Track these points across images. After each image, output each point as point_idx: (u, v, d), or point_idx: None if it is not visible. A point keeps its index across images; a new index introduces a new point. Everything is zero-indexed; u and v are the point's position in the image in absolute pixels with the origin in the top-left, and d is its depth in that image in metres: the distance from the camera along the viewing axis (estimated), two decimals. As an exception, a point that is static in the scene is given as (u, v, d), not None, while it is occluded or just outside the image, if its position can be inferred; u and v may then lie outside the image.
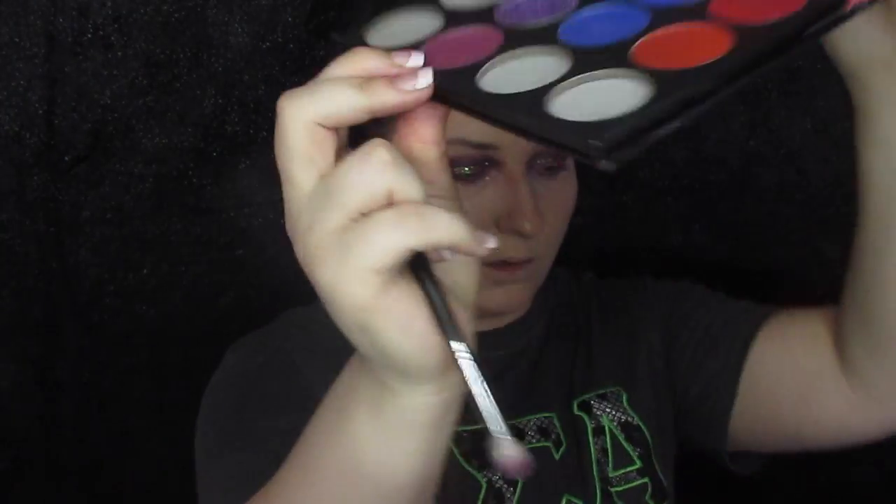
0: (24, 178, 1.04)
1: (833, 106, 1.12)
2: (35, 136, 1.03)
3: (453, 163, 0.74)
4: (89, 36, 1.02)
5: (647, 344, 0.95)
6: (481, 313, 0.54)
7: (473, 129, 0.77)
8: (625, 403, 0.91)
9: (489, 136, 0.79)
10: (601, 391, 0.91)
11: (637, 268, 1.20)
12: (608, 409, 0.91)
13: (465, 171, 0.81)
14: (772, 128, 1.13)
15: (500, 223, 0.82)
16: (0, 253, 1.05)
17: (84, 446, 1.15)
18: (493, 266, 0.83)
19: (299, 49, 1.07)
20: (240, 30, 1.05)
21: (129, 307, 1.11)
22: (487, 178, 0.82)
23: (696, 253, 1.19)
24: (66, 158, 1.05)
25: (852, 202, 1.15)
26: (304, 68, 1.08)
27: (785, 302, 1.20)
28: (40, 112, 1.02)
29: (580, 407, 0.90)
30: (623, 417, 0.90)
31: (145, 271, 1.11)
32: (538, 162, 0.83)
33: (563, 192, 0.86)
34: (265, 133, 1.08)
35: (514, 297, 0.87)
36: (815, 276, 1.19)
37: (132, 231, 1.09)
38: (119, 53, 1.03)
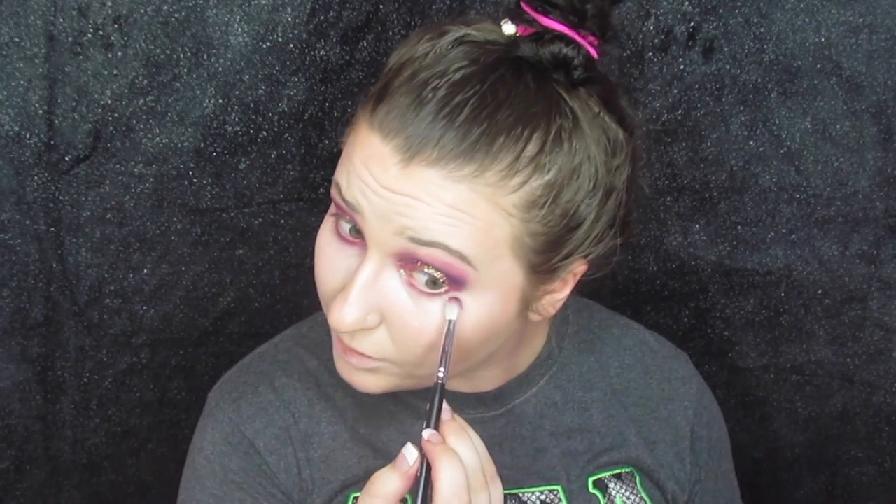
0: (24, 178, 1.04)
1: (833, 106, 1.12)
2: (35, 137, 1.03)
3: (336, 207, 0.71)
4: (89, 36, 1.02)
5: (672, 434, 0.92)
6: None
7: (349, 178, 0.69)
8: (638, 486, 0.88)
9: (355, 195, 0.68)
10: (616, 471, 0.88)
11: (637, 268, 1.20)
12: (623, 490, 0.87)
13: (345, 222, 0.71)
14: (772, 128, 1.13)
15: None
16: (0, 253, 1.05)
17: (84, 446, 1.15)
18: (339, 336, 0.74)
19: (299, 49, 1.07)
20: (240, 30, 1.05)
21: (129, 307, 1.11)
22: (359, 245, 0.71)
23: (696, 253, 1.19)
24: (67, 158, 1.05)
25: (852, 202, 1.15)
26: (304, 68, 1.08)
27: (785, 302, 1.20)
28: (40, 112, 1.02)
29: (595, 485, 0.86)
30: (636, 500, 0.87)
31: (145, 271, 1.11)
32: (415, 272, 0.69)
33: (429, 318, 0.70)
34: (265, 133, 1.08)
35: (356, 382, 0.76)
36: (815, 276, 1.19)
37: (132, 231, 1.09)
38: (119, 53, 1.03)
